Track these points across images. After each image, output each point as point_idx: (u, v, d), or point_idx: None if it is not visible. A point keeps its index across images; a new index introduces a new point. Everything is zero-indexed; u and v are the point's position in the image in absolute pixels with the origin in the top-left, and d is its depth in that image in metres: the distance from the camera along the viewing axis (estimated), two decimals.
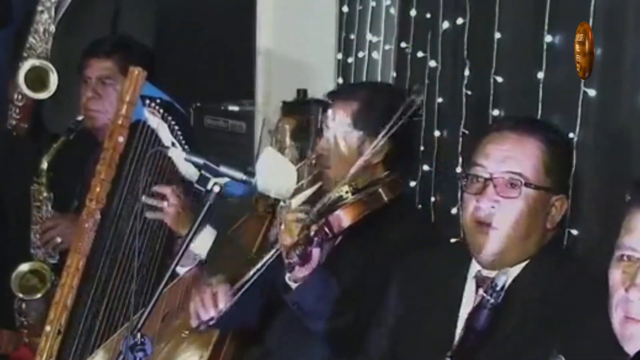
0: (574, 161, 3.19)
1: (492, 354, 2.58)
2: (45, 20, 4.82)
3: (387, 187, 3.20)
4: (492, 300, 2.45)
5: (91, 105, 4.23)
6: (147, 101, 3.36)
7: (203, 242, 3.50)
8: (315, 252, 2.98)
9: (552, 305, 2.59)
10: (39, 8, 4.82)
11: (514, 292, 2.64)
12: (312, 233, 2.95)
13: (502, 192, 2.65)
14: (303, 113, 3.79)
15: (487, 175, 2.67)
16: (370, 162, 3.29)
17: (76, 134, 4.31)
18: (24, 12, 5.05)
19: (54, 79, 4.74)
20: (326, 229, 3.04)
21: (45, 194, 4.39)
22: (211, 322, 3.18)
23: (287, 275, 3.02)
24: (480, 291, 2.49)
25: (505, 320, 2.59)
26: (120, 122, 3.49)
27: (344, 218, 3.06)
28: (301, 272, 2.99)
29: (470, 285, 2.74)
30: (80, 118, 4.25)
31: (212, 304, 3.17)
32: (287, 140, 3.71)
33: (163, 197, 3.55)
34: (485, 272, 2.72)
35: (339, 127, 3.33)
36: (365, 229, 3.14)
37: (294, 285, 3.02)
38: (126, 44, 4.33)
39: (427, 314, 2.66)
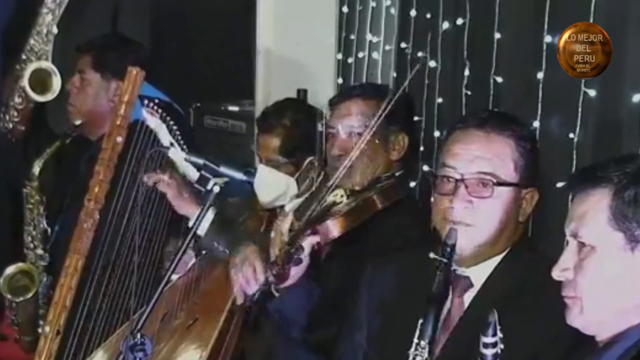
0: (574, 161, 3.20)
1: (467, 353, 2.58)
2: (49, 22, 4.81)
3: (382, 194, 3.14)
4: (445, 260, 2.44)
5: (69, 100, 4.25)
6: (146, 101, 3.36)
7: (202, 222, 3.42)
8: (294, 269, 2.96)
9: (527, 303, 2.59)
10: (44, 10, 4.80)
11: (489, 291, 2.66)
12: (292, 250, 2.91)
13: (474, 192, 2.65)
14: (282, 124, 3.75)
15: (458, 177, 2.66)
16: (390, 158, 3.26)
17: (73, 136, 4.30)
18: (14, 11, 5.02)
19: (57, 81, 4.73)
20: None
21: (37, 197, 4.39)
22: (255, 296, 3.08)
23: (273, 285, 3.02)
24: (432, 254, 2.48)
25: (480, 319, 2.59)
26: (118, 122, 3.48)
27: (332, 229, 3.01)
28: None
29: None
30: (77, 122, 4.25)
31: (254, 277, 3.09)
32: (279, 157, 3.68)
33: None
34: (459, 271, 2.71)
35: (363, 124, 3.26)
36: (355, 239, 3.11)
37: (276, 294, 3.02)
38: (105, 41, 4.33)
39: (403, 320, 2.63)
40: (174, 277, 3.52)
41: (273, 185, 3.14)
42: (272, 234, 3.12)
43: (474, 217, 2.65)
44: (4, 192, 4.96)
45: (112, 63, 4.12)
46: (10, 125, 4.93)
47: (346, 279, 3.11)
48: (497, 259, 2.71)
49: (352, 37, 4.57)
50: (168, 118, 3.31)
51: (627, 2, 3.16)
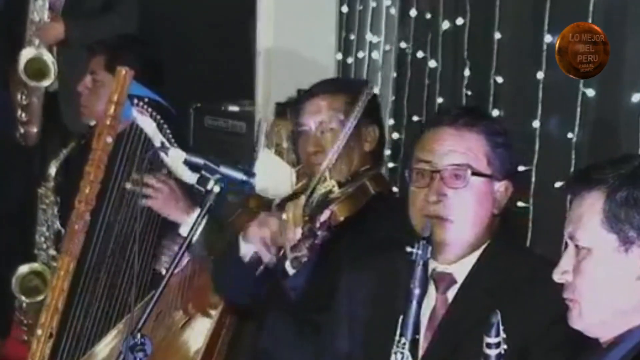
0: (573, 161, 3.20)
1: (453, 348, 2.59)
2: (39, 8, 4.80)
3: (373, 180, 3.19)
4: (420, 253, 2.44)
5: (81, 101, 4.25)
6: (135, 100, 3.36)
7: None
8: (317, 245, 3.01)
9: (509, 296, 2.59)
10: None
11: (471, 286, 2.66)
12: (317, 225, 2.97)
13: (449, 183, 2.68)
14: None
15: (434, 169, 2.70)
16: (364, 149, 3.26)
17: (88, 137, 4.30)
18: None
19: (54, 68, 4.74)
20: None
21: (52, 198, 4.39)
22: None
23: (287, 263, 3.03)
24: (408, 248, 2.46)
25: (465, 313, 2.61)
26: (108, 122, 3.47)
27: (339, 213, 3.06)
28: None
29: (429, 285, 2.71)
30: (92, 123, 4.25)
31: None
32: (285, 143, 3.70)
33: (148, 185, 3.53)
34: (440, 268, 2.71)
35: (335, 119, 3.29)
36: (352, 226, 3.13)
37: (292, 272, 3.03)
38: (117, 42, 4.32)
39: (386, 318, 2.62)
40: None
41: (273, 169, 3.15)
42: (284, 217, 3.13)
43: (450, 210, 2.67)
44: (16, 192, 4.97)
45: (124, 64, 4.10)
46: (22, 130, 4.93)
47: (342, 267, 3.13)
48: (477, 253, 2.72)
49: (352, 37, 4.56)
50: (158, 117, 3.31)
51: (626, 2, 3.16)
